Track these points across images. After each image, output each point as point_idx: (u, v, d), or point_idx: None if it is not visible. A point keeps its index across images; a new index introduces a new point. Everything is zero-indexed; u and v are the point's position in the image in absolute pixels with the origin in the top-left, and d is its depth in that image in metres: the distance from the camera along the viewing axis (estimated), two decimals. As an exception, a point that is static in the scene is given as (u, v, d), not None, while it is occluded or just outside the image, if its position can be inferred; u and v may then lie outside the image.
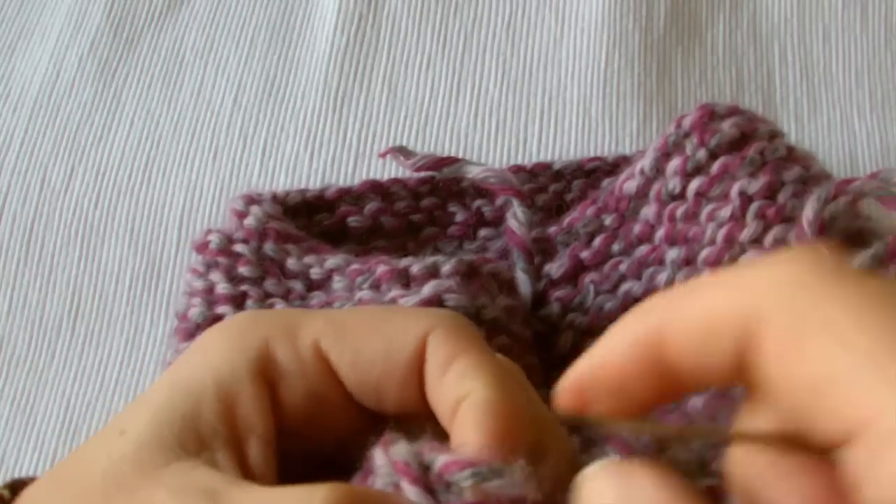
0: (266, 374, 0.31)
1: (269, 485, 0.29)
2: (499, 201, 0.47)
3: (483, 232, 0.47)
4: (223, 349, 0.32)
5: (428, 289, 0.39)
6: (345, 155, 0.52)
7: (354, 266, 0.42)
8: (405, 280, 0.41)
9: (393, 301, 0.40)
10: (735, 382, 0.23)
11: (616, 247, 0.45)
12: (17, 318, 0.49)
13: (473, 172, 0.44)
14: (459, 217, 0.48)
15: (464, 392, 0.30)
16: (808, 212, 0.39)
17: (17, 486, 0.32)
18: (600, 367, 0.24)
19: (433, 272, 0.40)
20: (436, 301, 0.39)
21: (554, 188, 0.49)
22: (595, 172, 0.49)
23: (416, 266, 0.41)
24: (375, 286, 0.40)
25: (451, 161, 0.46)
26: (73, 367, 0.47)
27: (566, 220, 0.46)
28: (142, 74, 0.56)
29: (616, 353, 0.24)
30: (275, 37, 0.57)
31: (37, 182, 0.53)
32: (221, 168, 0.52)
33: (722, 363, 0.22)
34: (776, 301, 0.21)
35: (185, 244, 0.50)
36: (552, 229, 0.46)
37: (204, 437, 0.30)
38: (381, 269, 0.41)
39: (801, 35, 0.56)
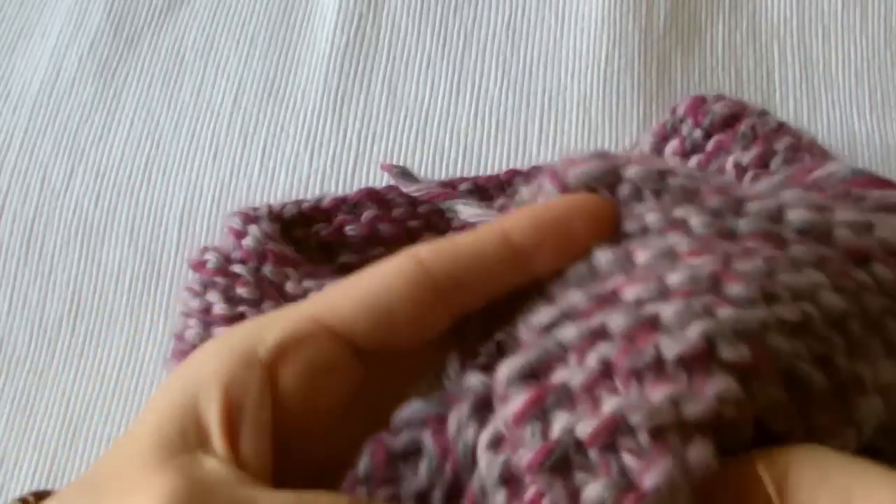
0: (264, 361, 0.30)
1: (264, 480, 0.29)
2: (496, 204, 0.47)
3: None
4: (219, 347, 0.31)
5: None
6: (345, 155, 0.52)
7: None
8: None
9: None
10: None
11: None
12: (17, 317, 0.49)
13: (465, 214, 0.43)
14: (457, 222, 0.48)
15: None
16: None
17: (42, 495, 0.31)
18: None
19: None
20: None
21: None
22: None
23: None
24: None
25: (447, 195, 0.45)
26: (73, 367, 0.47)
27: None
28: (142, 74, 0.56)
29: None
30: (275, 37, 0.57)
31: (37, 182, 0.53)
32: (221, 168, 0.52)
33: None
34: None
35: (184, 244, 0.50)
36: None
37: (203, 427, 0.29)
38: None
39: (800, 35, 0.56)
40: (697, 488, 0.26)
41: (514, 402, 0.28)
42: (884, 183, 0.39)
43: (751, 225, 0.32)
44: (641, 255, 0.30)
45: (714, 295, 0.29)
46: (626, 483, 0.26)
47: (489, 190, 0.49)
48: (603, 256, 0.31)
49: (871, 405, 0.30)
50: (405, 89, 0.55)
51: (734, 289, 0.29)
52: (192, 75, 0.56)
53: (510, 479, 0.27)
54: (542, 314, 0.30)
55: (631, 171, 0.32)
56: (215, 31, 0.57)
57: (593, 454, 0.26)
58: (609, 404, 0.26)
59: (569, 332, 0.29)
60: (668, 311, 0.28)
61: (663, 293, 0.29)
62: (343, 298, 0.31)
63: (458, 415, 0.29)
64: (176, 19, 0.58)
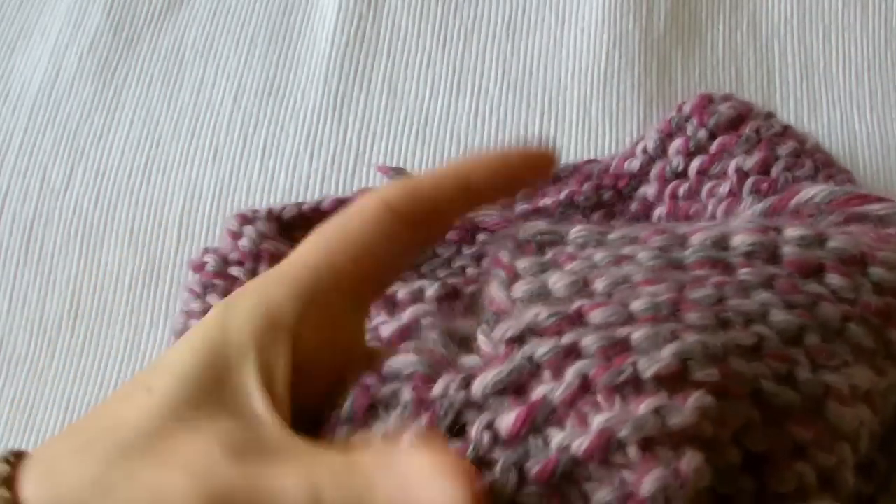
0: (291, 327, 0.32)
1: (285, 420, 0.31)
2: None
3: (481, 236, 0.47)
4: (238, 312, 0.32)
5: (408, 314, 0.42)
6: (345, 155, 0.52)
7: None
8: (391, 306, 0.42)
9: (375, 329, 0.42)
10: None
11: (615, 223, 0.46)
12: (16, 317, 0.49)
13: None
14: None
15: None
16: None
17: (19, 455, 0.31)
18: None
19: (418, 296, 0.43)
20: (414, 325, 0.41)
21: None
22: (592, 175, 0.50)
23: (402, 291, 0.43)
24: None
25: None
26: (73, 367, 0.47)
27: (563, 193, 0.47)
28: (142, 74, 0.56)
29: None
30: (275, 36, 0.57)
31: (36, 181, 0.53)
32: (221, 168, 0.52)
33: None
34: None
35: (185, 244, 0.50)
36: (549, 202, 0.47)
37: (231, 389, 0.30)
38: None
39: (801, 35, 0.56)
40: None
41: (506, 418, 0.28)
42: (862, 198, 0.39)
43: (697, 254, 0.33)
44: (599, 283, 0.32)
45: (676, 321, 0.30)
46: (626, 492, 0.27)
47: (489, 190, 0.49)
48: (559, 281, 0.32)
49: (854, 414, 0.31)
50: (405, 89, 0.54)
51: (692, 316, 0.30)
52: (192, 75, 0.56)
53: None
54: (505, 327, 0.31)
55: (573, 232, 0.35)
56: (215, 31, 0.57)
57: (593, 467, 0.27)
58: (597, 420, 0.27)
59: (539, 349, 0.29)
60: (638, 334, 0.29)
61: (629, 318, 0.30)
62: (331, 253, 0.33)
63: (445, 382, 0.30)
64: (176, 19, 0.58)
